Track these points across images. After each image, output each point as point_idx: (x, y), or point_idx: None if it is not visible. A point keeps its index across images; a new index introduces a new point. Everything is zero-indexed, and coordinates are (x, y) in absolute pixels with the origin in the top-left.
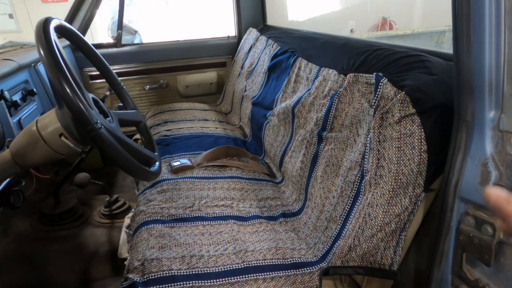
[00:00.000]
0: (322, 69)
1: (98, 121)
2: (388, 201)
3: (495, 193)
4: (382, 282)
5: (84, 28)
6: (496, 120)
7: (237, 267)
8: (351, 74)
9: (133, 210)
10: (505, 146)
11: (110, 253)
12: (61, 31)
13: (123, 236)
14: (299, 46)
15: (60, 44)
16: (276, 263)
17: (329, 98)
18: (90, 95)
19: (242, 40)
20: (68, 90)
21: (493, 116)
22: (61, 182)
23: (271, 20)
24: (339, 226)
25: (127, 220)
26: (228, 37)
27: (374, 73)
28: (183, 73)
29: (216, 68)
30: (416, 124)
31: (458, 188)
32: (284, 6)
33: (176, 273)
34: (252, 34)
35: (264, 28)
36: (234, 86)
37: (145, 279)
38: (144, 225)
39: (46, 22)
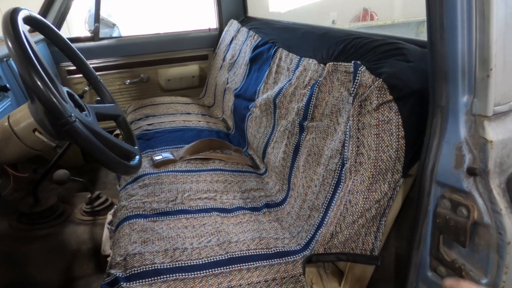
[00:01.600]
0: (302, 59)
1: (72, 114)
2: (368, 188)
3: (449, 281)
4: (364, 267)
5: (59, 21)
6: (469, 104)
7: (220, 258)
8: (330, 63)
9: (115, 206)
10: (477, 129)
11: (93, 250)
12: (32, 23)
13: (105, 232)
14: (280, 37)
15: (29, 35)
16: (260, 253)
17: (309, 88)
18: (65, 89)
19: (224, 32)
20: (38, 82)
21: (466, 101)
22: (40, 180)
23: (252, 12)
24: (321, 214)
25: (109, 217)
26: (209, 29)
27: (352, 62)
28: (164, 67)
29: (198, 61)
30: (394, 110)
31: (435, 172)
32: None
33: (159, 267)
34: (233, 26)
35: (245, 20)
36: (216, 79)
37: (128, 274)
38: (126, 220)
39: (13, 12)
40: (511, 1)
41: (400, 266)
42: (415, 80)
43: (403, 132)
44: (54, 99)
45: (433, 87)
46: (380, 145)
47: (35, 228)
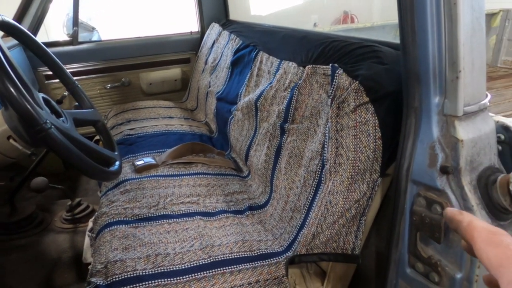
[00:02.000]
0: (282, 62)
1: (48, 121)
2: (347, 188)
3: (450, 209)
4: (345, 266)
5: (36, 26)
6: (441, 105)
7: (203, 262)
8: (309, 66)
9: (96, 213)
10: (449, 129)
11: (74, 259)
12: (4, 28)
13: (87, 240)
14: (260, 40)
15: (1, 41)
16: (243, 255)
17: (289, 90)
18: (41, 95)
19: (205, 36)
20: (11, 88)
21: (438, 101)
22: (17, 188)
23: (233, 15)
24: (303, 215)
25: (90, 224)
26: (191, 32)
27: (330, 64)
28: (145, 70)
29: (180, 64)
30: (370, 112)
31: (410, 171)
32: (246, 1)
33: (141, 273)
34: (214, 29)
35: (227, 23)
36: (199, 82)
37: (109, 282)
38: (106, 227)
39: None
40: (477, 6)
41: (380, 264)
42: (390, 82)
43: (379, 133)
44: (28, 106)
45: (407, 89)
46: (358, 146)
47: (13, 237)
